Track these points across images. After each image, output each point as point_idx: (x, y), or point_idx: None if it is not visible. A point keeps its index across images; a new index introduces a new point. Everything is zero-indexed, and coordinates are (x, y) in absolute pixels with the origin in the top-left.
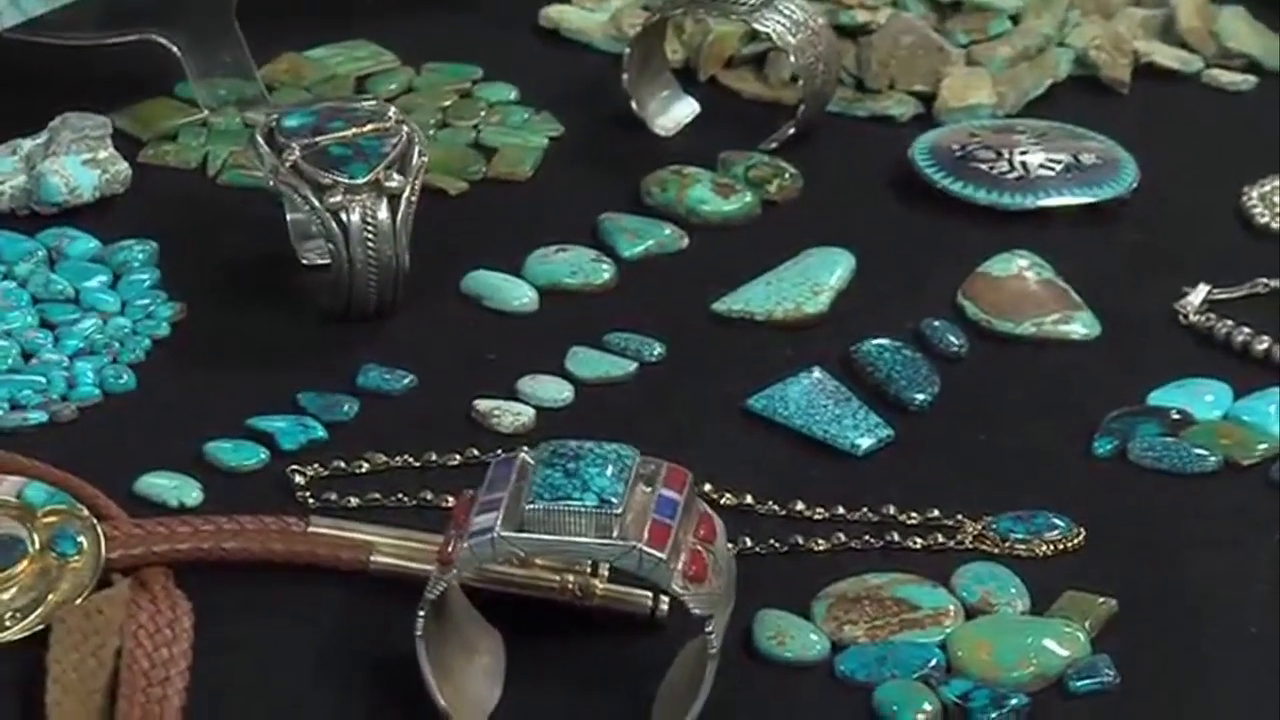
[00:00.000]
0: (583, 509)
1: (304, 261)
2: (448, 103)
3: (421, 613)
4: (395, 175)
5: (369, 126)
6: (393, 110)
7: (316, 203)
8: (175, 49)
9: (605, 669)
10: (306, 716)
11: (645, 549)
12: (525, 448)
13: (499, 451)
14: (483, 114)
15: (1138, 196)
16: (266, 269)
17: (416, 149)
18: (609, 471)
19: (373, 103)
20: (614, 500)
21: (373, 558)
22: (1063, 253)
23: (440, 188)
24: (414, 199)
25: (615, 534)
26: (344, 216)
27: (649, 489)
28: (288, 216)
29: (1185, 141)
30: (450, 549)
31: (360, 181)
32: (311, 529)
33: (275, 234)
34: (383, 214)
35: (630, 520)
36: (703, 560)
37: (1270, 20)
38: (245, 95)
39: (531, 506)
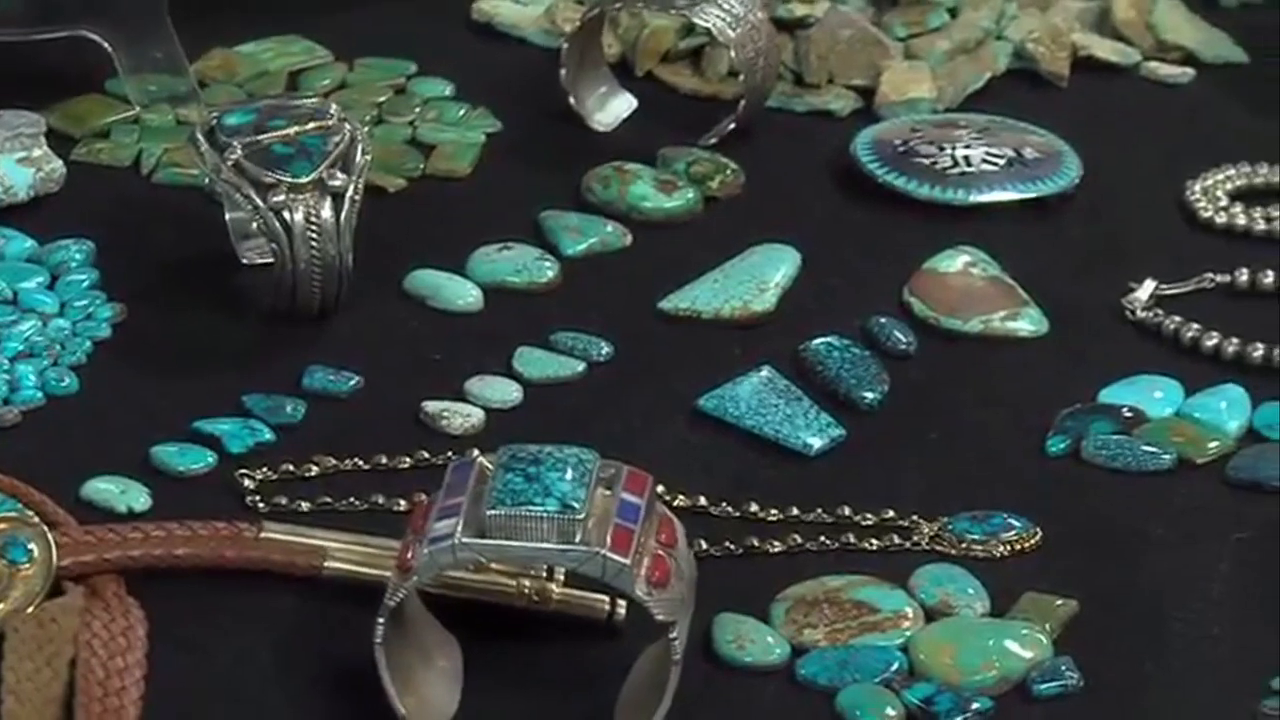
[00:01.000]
0: (545, 514)
1: (244, 261)
2: (382, 99)
3: (381, 620)
4: (339, 174)
5: (311, 124)
6: (335, 107)
7: (260, 202)
8: (106, 45)
9: (562, 674)
10: None
11: (608, 555)
12: (477, 450)
13: (450, 454)
14: (418, 110)
15: (1080, 191)
16: (206, 269)
17: (360, 147)
18: (569, 476)
19: (314, 100)
20: (576, 505)
21: (326, 563)
22: (1007, 248)
23: (379, 185)
24: (358, 197)
25: (578, 539)
26: (287, 216)
27: (609, 493)
28: (227, 215)
29: (1126, 135)
30: (409, 555)
31: (304, 180)
32: (264, 534)
33: (213, 233)
34: (326, 213)
35: (592, 525)
36: (665, 565)
37: (1203, 12)
38: (177, 91)
39: (492, 512)
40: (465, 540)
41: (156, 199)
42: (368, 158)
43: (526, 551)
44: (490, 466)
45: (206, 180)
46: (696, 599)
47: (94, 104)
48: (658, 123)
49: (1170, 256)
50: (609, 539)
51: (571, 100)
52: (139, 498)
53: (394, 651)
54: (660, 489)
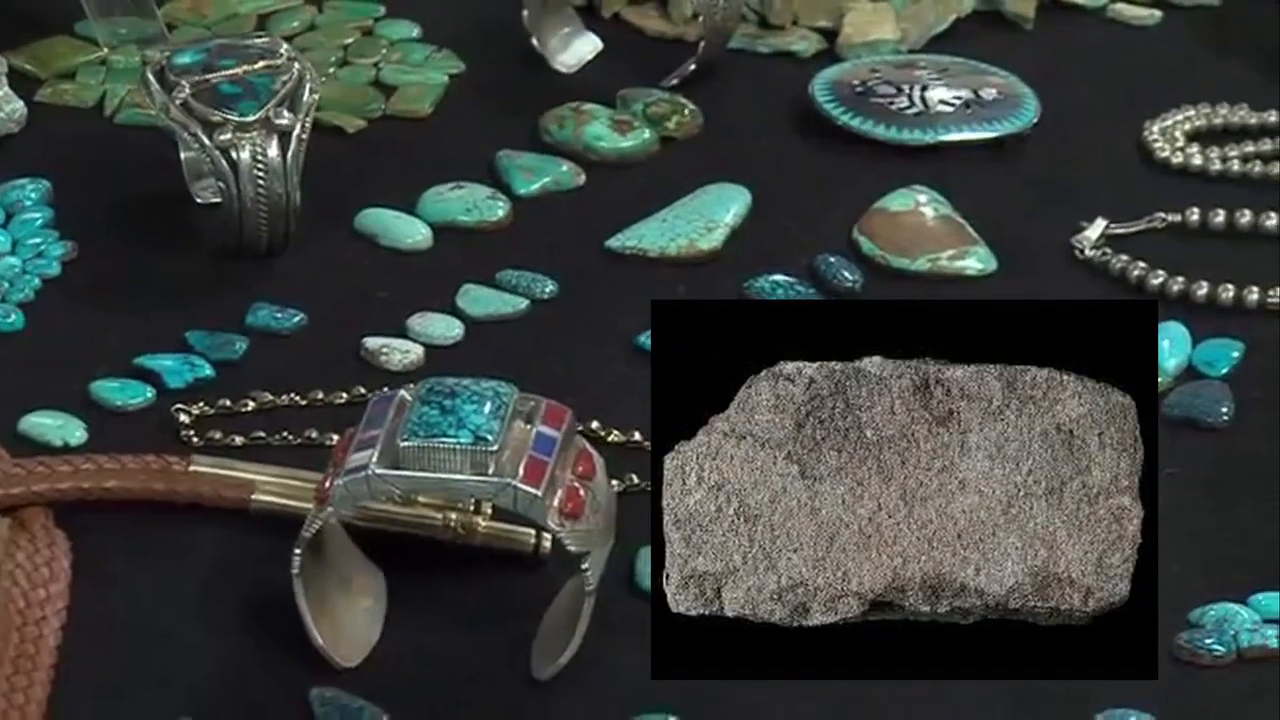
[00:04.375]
0: (457, 446)
1: (198, 200)
2: (349, 40)
3: (298, 551)
4: (285, 113)
5: (260, 64)
6: (285, 47)
7: (206, 141)
8: None
9: (488, 606)
10: (184, 655)
11: (520, 485)
12: (408, 387)
13: (387, 389)
14: (384, 52)
15: (1039, 132)
16: (161, 208)
17: (308, 86)
18: (486, 409)
19: (264, 39)
20: (489, 437)
21: (254, 497)
22: (962, 188)
23: (338, 126)
24: (304, 136)
25: (490, 471)
26: (234, 154)
27: (527, 426)
28: (181, 155)
29: (1089, 76)
30: (327, 486)
31: (250, 119)
32: (193, 468)
33: (171, 173)
34: (273, 152)
35: (506, 457)
36: (579, 497)
37: None
38: (145, 33)
39: (406, 444)
40: (379, 471)
41: (117, 139)
42: (315, 97)
43: (439, 482)
44: (410, 399)
45: (161, 120)
46: (624, 532)
47: (62, 46)
48: (623, 64)
49: (1125, 197)
50: (521, 470)
51: (535, 41)
52: (75, 432)
53: (313, 582)
54: (595, 424)
